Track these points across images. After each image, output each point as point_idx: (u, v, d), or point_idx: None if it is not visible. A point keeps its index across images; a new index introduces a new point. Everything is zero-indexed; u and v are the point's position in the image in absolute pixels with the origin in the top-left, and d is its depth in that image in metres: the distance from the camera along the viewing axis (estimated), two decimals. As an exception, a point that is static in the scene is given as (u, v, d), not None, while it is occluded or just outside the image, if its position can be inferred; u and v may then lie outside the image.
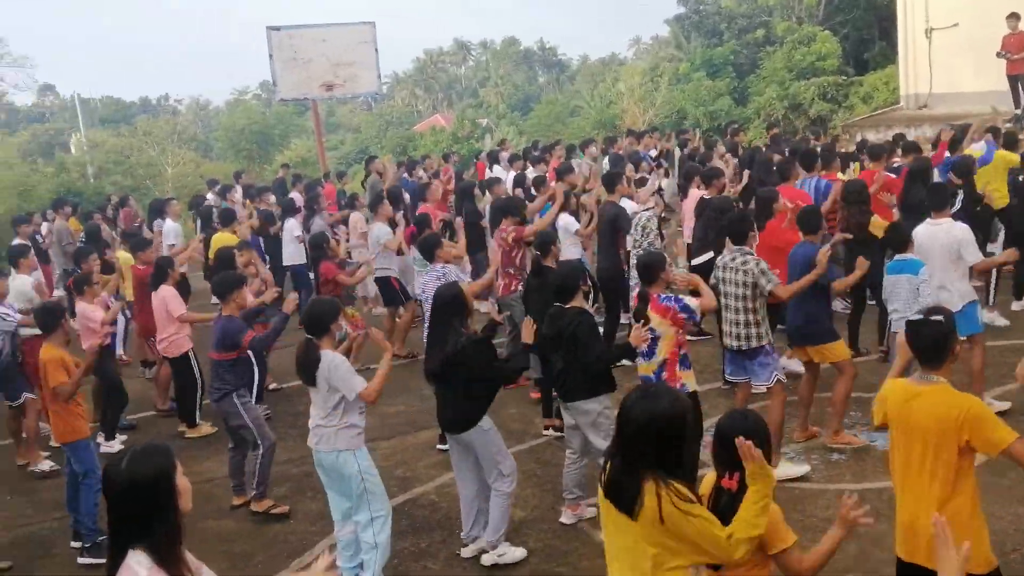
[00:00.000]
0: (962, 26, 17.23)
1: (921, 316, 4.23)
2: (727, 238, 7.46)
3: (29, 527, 7.90)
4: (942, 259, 7.56)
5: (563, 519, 6.87)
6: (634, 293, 6.97)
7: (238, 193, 16.71)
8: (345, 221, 13.77)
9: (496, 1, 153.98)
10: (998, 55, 15.43)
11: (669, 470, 3.44)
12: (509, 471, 6.33)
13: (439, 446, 8.33)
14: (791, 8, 34.01)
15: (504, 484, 6.30)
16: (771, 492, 3.58)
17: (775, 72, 30.02)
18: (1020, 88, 15.64)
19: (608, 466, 3.60)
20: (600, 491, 3.64)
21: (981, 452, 4.02)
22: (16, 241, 13.87)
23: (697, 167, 11.46)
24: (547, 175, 12.88)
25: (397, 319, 11.38)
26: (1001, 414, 7.44)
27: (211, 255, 11.76)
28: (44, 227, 17.66)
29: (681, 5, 37.89)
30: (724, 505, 3.64)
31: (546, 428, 8.54)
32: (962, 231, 7.62)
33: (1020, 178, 10.62)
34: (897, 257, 7.55)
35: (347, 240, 12.37)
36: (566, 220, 10.39)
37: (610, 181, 10.33)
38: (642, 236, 9.33)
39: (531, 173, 14.35)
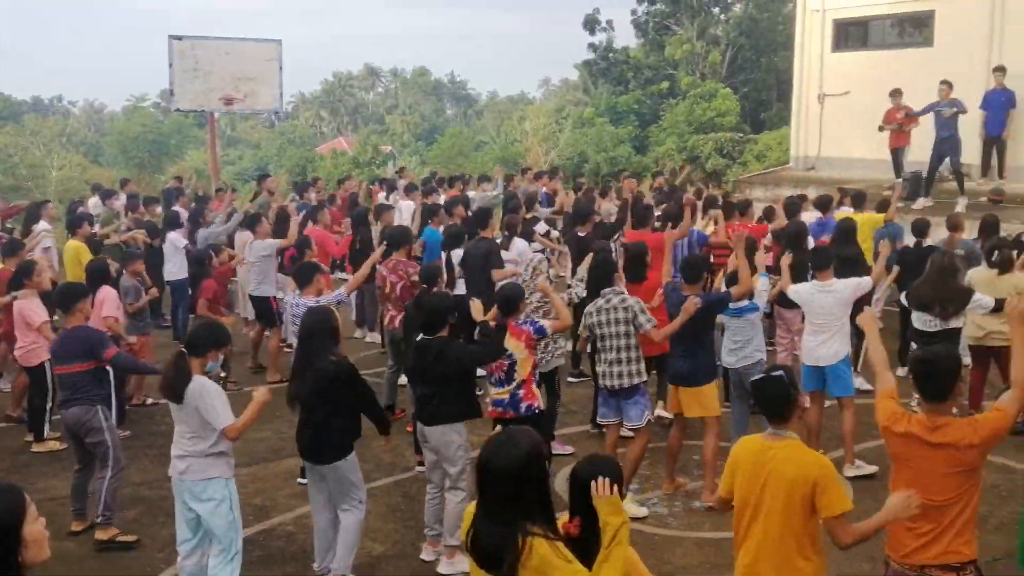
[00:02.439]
0: (853, 95, 17.92)
1: (763, 375, 4.38)
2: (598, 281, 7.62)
3: None
4: (824, 318, 7.78)
5: (424, 555, 6.78)
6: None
7: (120, 200, 16.09)
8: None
9: (410, 31, 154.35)
10: (880, 128, 16.06)
11: (544, 517, 3.38)
12: (363, 501, 6.29)
13: (300, 480, 8.06)
14: (696, 64, 35.01)
15: (358, 513, 6.24)
16: (626, 534, 3.52)
17: (676, 124, 30.78)
18: (901, 161, 16.34)
19: (472, 521, 3.48)
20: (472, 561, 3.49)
21: (818, 509, 4.09)
22: None
23: (576, 205, 11.61)
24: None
25: (266, 336, 11.18)
26: (866, 477, 7.67)
27: (65, 262, 11.33)
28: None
29: (590, 51, 38.60)
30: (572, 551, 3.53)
31: (418, 463, 8.38)
32: (844, 286, 7.86)
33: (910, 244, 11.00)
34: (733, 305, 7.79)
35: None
36: (456, 254, 10.25)
37: (483, 217, 10.34)
38: (531, 276, 9.30)
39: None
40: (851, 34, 19.79)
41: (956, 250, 10.29)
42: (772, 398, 4.27)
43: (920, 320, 8.43)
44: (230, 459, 5.88)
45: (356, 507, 6.20)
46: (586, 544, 3.56)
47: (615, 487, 3.54)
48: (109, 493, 7.07)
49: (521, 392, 6.66)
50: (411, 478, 8.24)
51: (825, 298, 7.81)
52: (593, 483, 3.52)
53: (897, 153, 16.21)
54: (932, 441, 4.26)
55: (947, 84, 14.91)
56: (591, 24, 38.31)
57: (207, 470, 5.74)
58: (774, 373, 4.34)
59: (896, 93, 15.86)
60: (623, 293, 7.32)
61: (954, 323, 8.27)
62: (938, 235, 11.15)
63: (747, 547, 4.28)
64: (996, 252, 8.66)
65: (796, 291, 8.09)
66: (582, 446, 8.45)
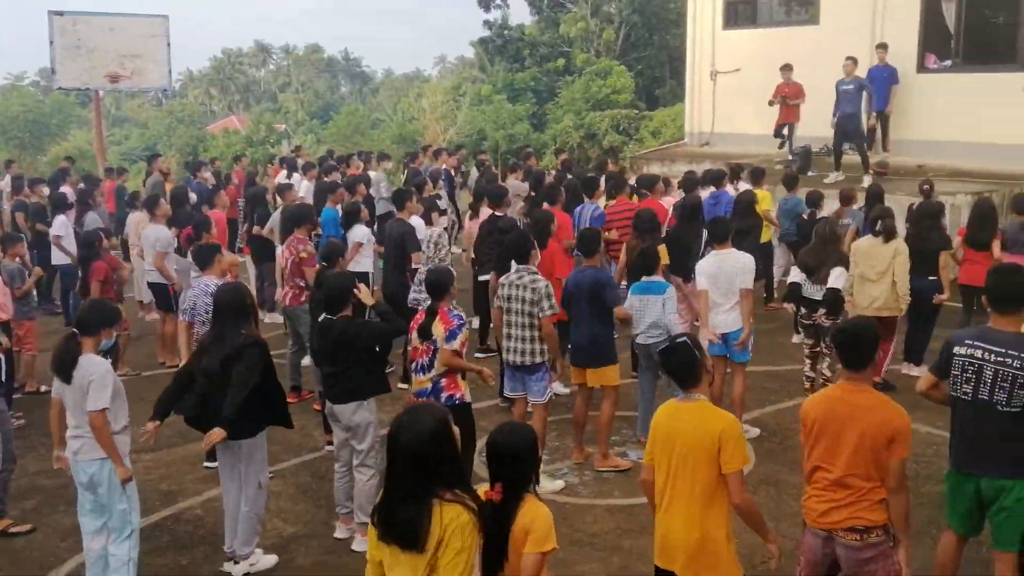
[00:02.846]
0: (744, 72, 18.36)
1: (668, 344, 4.58)
2: (511, 258, 7.60)
3: None
4: (725, 285, 7.94)
5: (337, 533, 6.78)
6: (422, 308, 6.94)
7: (4, 181, 15.48)
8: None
9: (302, 6, 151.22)
10: (770, 103, 16.50)
11: (459, 485, 3.45)
12: (266, 483, 6.31)
13: (206, 463, 7.95)
14: (590, 41, 35.26)
15: (262, 497, 6.25)
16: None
17: (572, 101, 30.97)
18: (788, 135, 16.80)
19: (382, 499, 3.49)
20: (373, 529, 3.53)
21: (720, 463, 4.26)
22: None
23: (488, 188, 11.59)
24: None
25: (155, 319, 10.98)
26: (751, 440, 7.98)
27: None
28: None
29: (486, 28, 38.50)
30: (488, 516, 3.59)
31: (327, 443, 8.35)
32: (749, 259, 8.05)
33: (805, 216, 11.36)
34: (644, 279, 7.91)
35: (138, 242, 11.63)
36: (359, 232, 10.23)
37: (401, 198, 10.29)
38: (434, 252, 9.38)
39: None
40: (741, 12, 20.18)
41: (843, 220, 10.74)
42: (679, 364, 4.45)
43: (807, 287, 8.70)
44: (125, 438, 5.77)
45: (259, 492, 6.20)
46: (507, 509, 3.65)
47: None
48: (1, 485, 6.86)
49: (443, 381, 6.59)
50: (320, 457, 8.20)
51: (725, 265, 7.97)
52: None
53: (783, 129, 16.58)
54: (847, 400, 4.44)
55: (852, 60, 15.15)
56: (486, 1, 38.21)
57: (96, 450, 5.64)
58: (679, 340, 4.54)
59: (787, 68, 16.27)
60: (535, 273, 7.34)
61: (832, 283, 8.52)
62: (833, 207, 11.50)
63: (665, 506, 4.42)
64: (879, 221, 9.02)
65: (699, 266, 8.22)
66: (491, 419, 8.49)
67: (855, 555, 4.41)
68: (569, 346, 8.05)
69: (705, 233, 8.94)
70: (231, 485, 6.29)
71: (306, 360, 8.91)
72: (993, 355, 4.76)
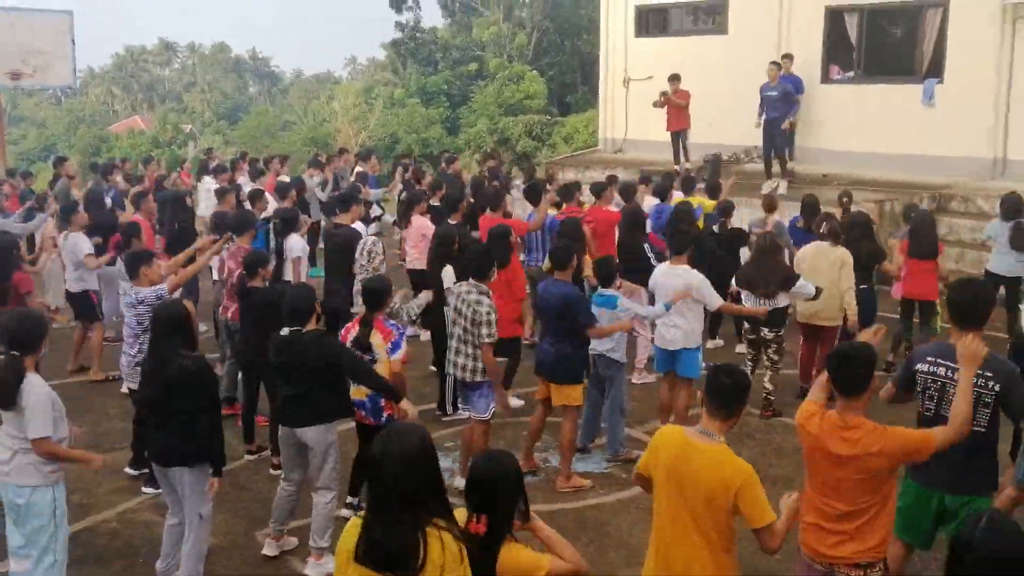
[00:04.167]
0: (656, 79, 18.67)
1: (723, 364, 4.27)
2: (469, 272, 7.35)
3: None
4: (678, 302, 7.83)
5: (266, 551, 6.57)
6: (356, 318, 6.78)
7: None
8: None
9: (208, 4, 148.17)
10: (655, 104, 16.73)
11: (443, 510, 3.30)
12: (207, 515, 5.99)
13: (128, 469, 7.81)
14: (503, 46, 35.47)
15: (203, 531, 5.96)
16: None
17: (486, 106, 31.12)
18: (681, 144, 16.97)
19: (366, 526, 3.30)
20: (346, 561, 3.34)
21: (744, 516, 4.04)
22: None
23: (421, 194, 11.49)
24: (264, 189, 12.42)
25: (89, 336, 10.49)
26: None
27: None
28: None
29: (398, 30, 38.39)
30: (474, 551, 3.39)
31: (249, 452, 8.26)
32: (698, 278, 7.93)
33: (715, 227, 11.45)
34: (601, 291, 7.85)
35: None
36: (296, 245, 9.77)
37: (346, 201, 9.98)
38: (368, 261, 9.18)
39: (245, 185, 13.84)
40: (652, 21, 20.55)
41: (770, 230, 10.90)
42: (722, 388, 4.13)
43: (749, 303, 8.75)
44: (57, 464, 5.52)
45: (201, 523, 5.91)
46: (493, 543, 3.50)
47: None
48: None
49: (381, 401, 6.43)
50: (240, 467, 8.03)
51: (673, 281, 7.90)
52: None
53: (677, 136, 16.78)
54: (841, 449, 4.28)
55: (775, 65, 15.40)
56: (398, 3, 38.09)
57: (30, 476, 5.41)
58: (736, 367, 4.26)
59: (674, 79, 16.48)
60: (484, 294, 7.11)
61: (781, 302, 8.67)
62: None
63: (664, 550, 4.23)
64: (824, 224, 9.14)
65: (653, 276, 8.18)
66: (428, 428, 8.46)
67: None
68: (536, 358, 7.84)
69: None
70: (175, 511, 6.06)
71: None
72: (956, 373, 4.60)
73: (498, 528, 3.49)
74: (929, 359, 4.92)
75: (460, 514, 3.51)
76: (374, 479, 3.33)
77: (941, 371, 4.84)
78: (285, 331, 6.24)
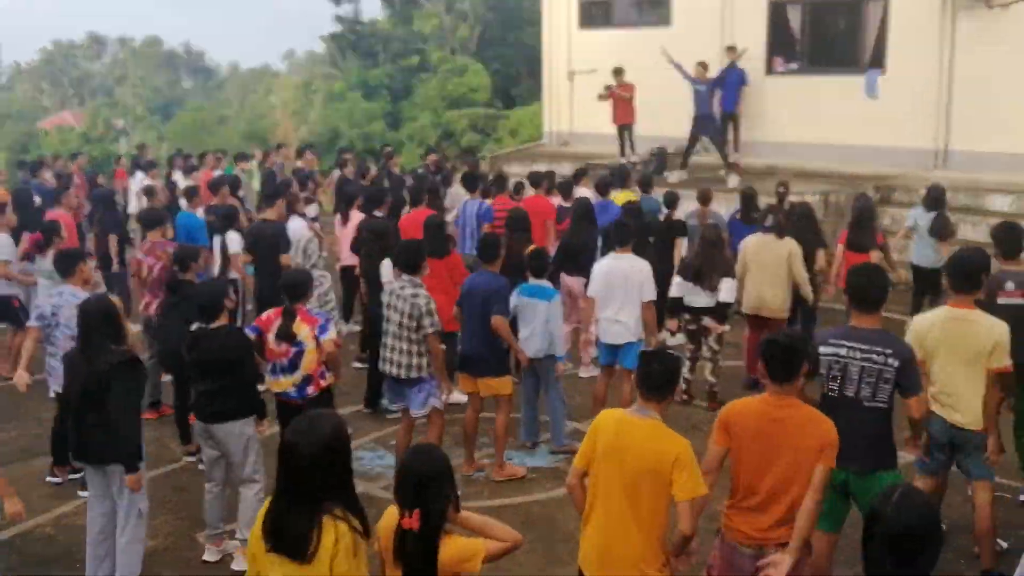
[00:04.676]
0: (600, 73, 18.57)
1: (653, 350, 4.45)
2: (400, 266, 7.24)
3: None
4: (623, 292, 7.78)
5: (207, 556, 6.42)
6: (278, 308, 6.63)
7: None
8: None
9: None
10: (600, 97, 16.74)
11: (347, 502, 3.37)
12: (145, 511, 5.91)
13: (49, 478, 7.59)
14: (445, 38, 35.12)
15: (141, 528, 5.87)
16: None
17: (429, 100, 30.79)
18: (627, 137, 17.01)
19: (270, 508, 3.40)
20: (256, 541, 3.41)
21: (674, 490, 4.14)
22: None
23: (358, 189, 11.27)
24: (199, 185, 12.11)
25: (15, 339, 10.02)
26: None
27: None
28: None
29: (337, 22, 37.78)
30: (411, 547, 3.45)
31: (186, 453, 8.06)
32: (647, 267, 7.89)
33: (661, 217, 11.41)
34: (533, 281, 7.67)
35: None
36: (235, 241, 9.64)
37: (271, 197, 9.86)
38: (304, 260, 9.00)
39: (180, 181, 13.47)
40: (596, 13, 20.43)
41: (708, 220, 10.89)
42: (662, 372, 4.29)
43: (690, 295, 8.72)
44: None
45: (139, 522, 5.82)
46: (429, 538, 3.47)
47: None
48: None
49: (309, 388, 6.44)
50: (179, 469, 7.92)
51: (620, 264, 7.81)
52: None
53: (623, 129, 16.82)
54: (775, 416, 4.33)
55: (702, 65, 15.57)
56: (337, -6, 37.46)
57: None
58: (668, 348, 4.36)
59: (619, 72, 16.52)
60: (419, 286, 6.98)
61: (723, 297, 8.63)
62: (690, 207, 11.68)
63: (601, 522, 4.28)
64: (769, 216, 9.12)
65: (597, 268, 8.06)
66: (355, 427, 8.29)
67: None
68: (459, 353, 7.80)
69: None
70: (101, 510, 5.87)
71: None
72: (859, 352, 4.90)
73: (434, 522, 3.48)
74: (832, 341, 5.06)
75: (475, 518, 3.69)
76: (282, 463, 3.38)
77: (843, 351, 4.99)
78: (194, 326, 6.26)
